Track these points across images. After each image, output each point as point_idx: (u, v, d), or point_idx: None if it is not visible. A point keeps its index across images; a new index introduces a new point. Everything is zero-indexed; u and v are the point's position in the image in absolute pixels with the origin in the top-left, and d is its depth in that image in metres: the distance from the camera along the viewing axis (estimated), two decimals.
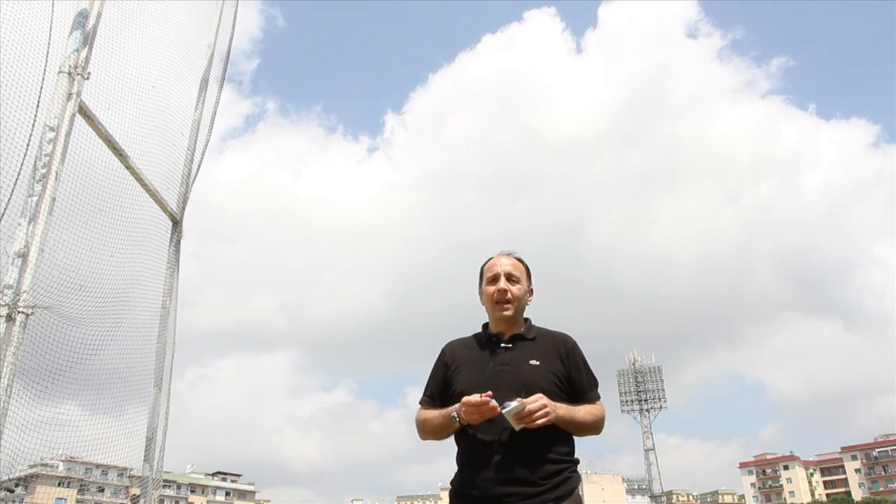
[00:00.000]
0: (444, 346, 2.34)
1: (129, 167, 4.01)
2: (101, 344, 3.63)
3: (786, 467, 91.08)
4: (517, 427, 1.97)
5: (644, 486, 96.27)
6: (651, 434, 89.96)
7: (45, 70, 3.20)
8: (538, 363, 2.15)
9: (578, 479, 2.13)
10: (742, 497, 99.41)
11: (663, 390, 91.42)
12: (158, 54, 4.56)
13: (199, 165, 5.20)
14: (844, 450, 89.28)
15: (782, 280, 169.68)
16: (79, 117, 3.32)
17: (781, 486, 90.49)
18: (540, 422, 1.96)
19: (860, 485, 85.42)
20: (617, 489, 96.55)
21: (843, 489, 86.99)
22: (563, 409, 2.05)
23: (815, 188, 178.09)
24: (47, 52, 3.22)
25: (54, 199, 3.05)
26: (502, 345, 2.22)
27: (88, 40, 3.38)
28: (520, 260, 2.35)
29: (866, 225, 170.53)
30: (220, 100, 5.52)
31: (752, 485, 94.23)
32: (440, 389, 2.24)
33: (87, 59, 3.35)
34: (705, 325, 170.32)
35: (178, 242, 4.83)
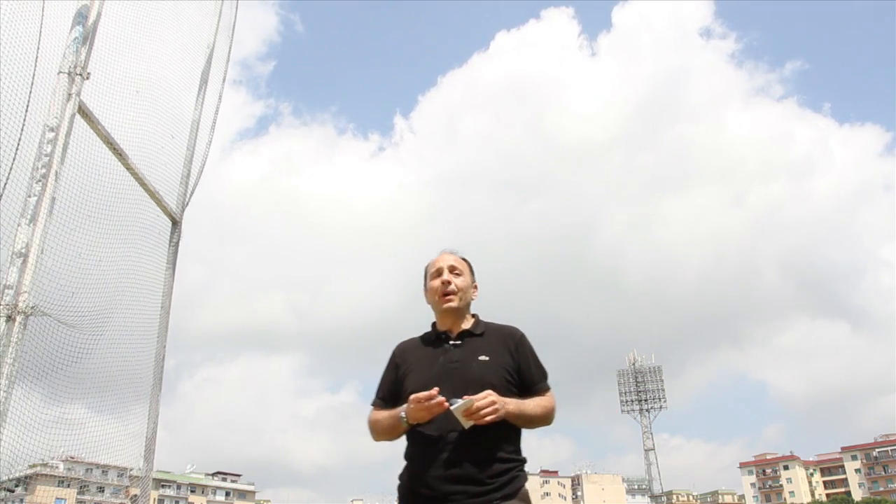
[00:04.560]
0: (394, 347, 2.36)
1: (128, 167, 4.02)
2: (100, 344, 3.64)
3: (786, 467, 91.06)
4: (466, 425, 1.98)
5: (644, 487, 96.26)
6: (651, 434, 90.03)
7: (34, 72, 3.20)
8: (488, 359, 2.16)
9: (525, 477, 2.14)
10: (742, 497, 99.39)
11: (663, 390, 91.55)
12: (158, 54, 4.57)
13: (202, 166, 5.20)
14: (844, 450, 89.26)
15: (789, 281, 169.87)
16: (78, 117, 3.33)
17: (781, 486, 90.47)
18: (489, 418, 1.97)
19: (860, 485, 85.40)
20: (617, 489, 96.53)
21: (843, 489, 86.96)
22: (512, 405, 2.06)
23: (824, 191, 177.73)
24: (37, 54, 3.22)
25: (54, 200, 3.06)
26: (451, 342, 2.24)
27: (88, 40, 3.38)
28: (463, 258, 2.39)
29: (874, 228, 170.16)
30: (221, 100, 5.53)
31: (752, 485, 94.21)
32: (391, 391, 2.25)
33: (86, 59, 3.35)
34: (711, 325, 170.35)
35: (178, 243, 4.84)
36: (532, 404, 2.14)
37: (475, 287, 2.39)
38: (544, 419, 2.19)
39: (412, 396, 2.04)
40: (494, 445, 2.07)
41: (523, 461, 2.17)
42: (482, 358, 2.17)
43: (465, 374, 2.13)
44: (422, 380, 2.14)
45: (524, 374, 2.21)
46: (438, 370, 2.15)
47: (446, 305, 2.27)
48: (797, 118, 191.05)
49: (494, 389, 2.05)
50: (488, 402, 1.98)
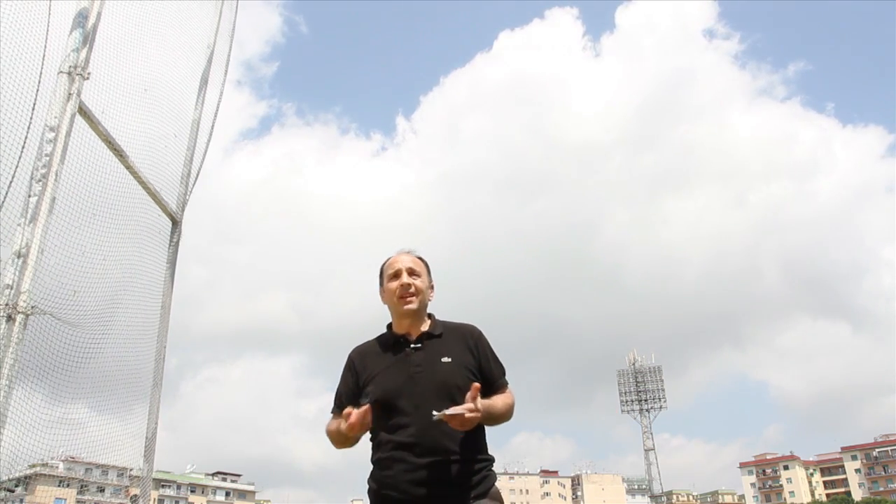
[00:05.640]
0: (350, 352, 2.31)
1: (128, 167, 4.02)
2: (101, 344, 3.64)
3: (786, 467, 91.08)
4: (436, 416, 1.95)
5: (644, 487, 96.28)
6: (651, 434, 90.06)
7: (41, 71, 3.20)
8: (450, 360, 2.15)
9: (495, 477, 2.14)
10: (742, 497, 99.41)
11: (663, 390, 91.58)
12: (158, 54, 4.57)
13: (201, 166, 5.20)
14: (844, 450, 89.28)
15: (791, 282, 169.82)
16: (79, 117, 3.33)
17: (781, 486, 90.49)
18: (465, 424, 1.95)
19: (860, 485, 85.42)
20: (617, 489, 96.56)
21: (843, 489, 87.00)
22: (485, 410, 2.03)
23: (826, 192, 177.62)
24: (44, 53, 3.23)
25: (54, 200, 3.06)
26: (411, 346, 2.21)
27: (88, 40, 3.38)
28: (420, 258, 2.36)
29: (876, 229, 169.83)
30: (222, 100, 5.54)
31: (752, 485, 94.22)
32: (350, 398, 2.19)
33: (86, 59, 3.35)
34: (713, 325, 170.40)
35: (178, 242, 4.84)
36: (500, 403, 2.14)
37: (432, 288, 2.35)
38: (507, 415, 2.18)
39: (344, 413, 2.02)
40: (463, 446, 2.07)
41: (491, 460, 2.17)
42: (445, 360, 2.15)
43: (430, 377, 2.11)
44: (388, 387, 2.11)
45: (485, 372, 2.19)
46: (402, 376, 2.12)
47: (406, 307, 2.22)
48: (800, 118, 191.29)
49: (460, 391, 2.03)
50: (472, 417, 1.95)
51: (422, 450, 2.03)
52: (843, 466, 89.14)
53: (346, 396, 2.22)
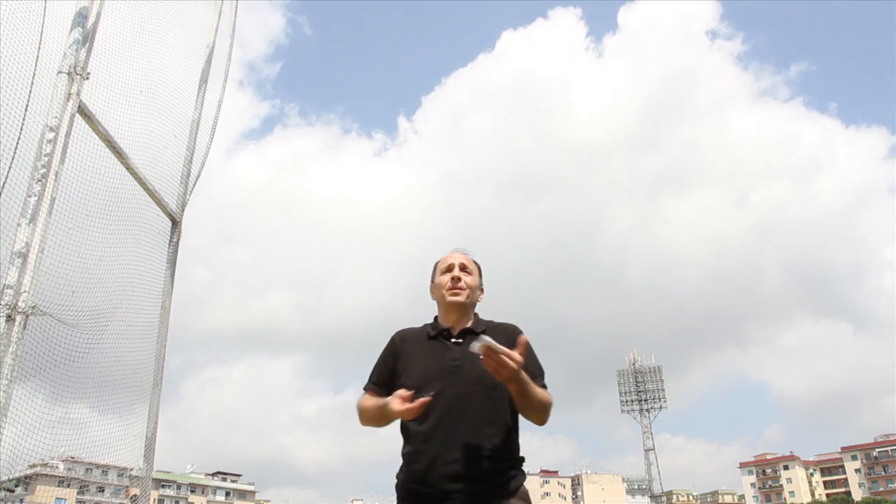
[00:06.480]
0: (394, 333, 2.34)
1: (128, 167, 4.02)
2: (102, 344, 3.64)
3: (786, 467, 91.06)
4: (475, 349, 1.89)
5: (644, 487, 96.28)
6: (651, 434, 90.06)
7: (34, 72, 3.20)
8: None
9: (524, 476, 2.14)
10: (742, 497, 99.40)
11: (663, 390, 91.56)
12: (158, 54, 4.57)
13: (202, 167, 5.21)
14: (844, 450, 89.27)
15: (792, 282, 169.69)
16: (78, 117, 3.33)
17: (781, 486, 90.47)
18: (501, 369, 1.90)
19: (860, 485, 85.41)
20: (617, 489, 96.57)
21: (843, 489, 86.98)
22: (524, 382, 2.00)
23: (828, 193, 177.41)
24: (37, 54, 3.22)
25: (54, 200, 3.06)
26: (452, 340, 2.22)
27: (88, 40, 3.38)
28: (473, 260, 2.39)
29: (878, 230, 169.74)
30: (223, 100, 5.54)
31: (752, 485, 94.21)
32: (386, 377, 2.22)
33: (86, 59, 3.35)
34: (714, 325, 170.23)
35: (177, 242, 4.84)
36: (538, 391, 2.10)
37: (482, 290, 2.39)
38: (543, 411, 2.14)
39: (398, 392, 2.02)
40: (493, 443, 2.06)
41: (521, 460, 2.17)
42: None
43: (467, 372, 2.12)
44: (421, 376, 2.13)
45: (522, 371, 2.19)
46: (439, 368, 2.14)
47: (453, 298, 2.25)
48: (803, 119, 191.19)
49: (495, 387, 2.04)
50: (509, 361, 1.89)
51: (451, 445, 2.03)
52: (843, 466, 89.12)
53: (382, 376, 2.24)
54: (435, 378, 2.09)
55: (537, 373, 2.23)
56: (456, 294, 2.26)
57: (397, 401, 2.01)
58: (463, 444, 2.03)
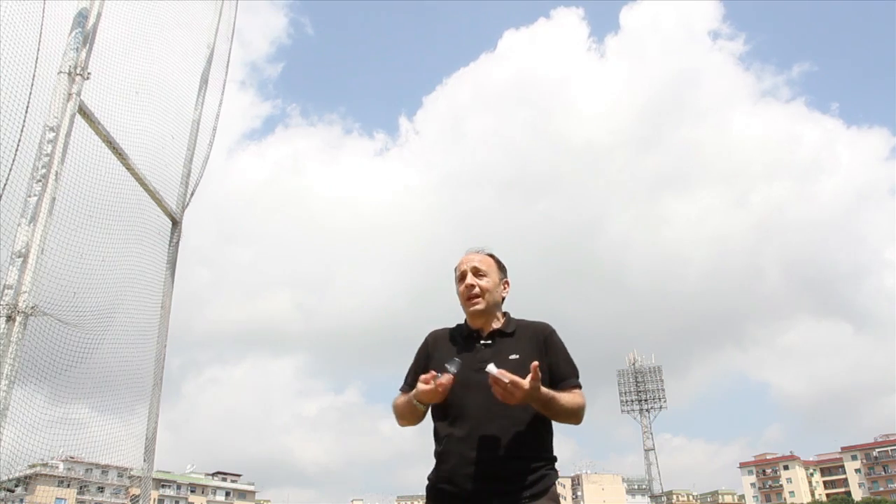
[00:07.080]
0: (427, 334, 2.37)
1: (128, 167, 4.02)
2: (102, 345, 3.64)
3: (786, 467, 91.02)
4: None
5: (644, 487, 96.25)
6: (651, 434, 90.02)
7: (34, 73, 3.20)
8: (518, 357, 2.15)
9: (556, 475, 2.13)
10: (742, 497, 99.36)
11: (663, 390, 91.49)
12: (159, 54, 4.57)
13: (203, 167, 5.20)
14: (844, 450, 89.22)
15: (793, 282, 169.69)
16: (78, 117, 3.32)
17: (781, 486, 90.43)
18: (509, 397, 1.94)
19: (860, 485, 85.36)
20: (617, 489, 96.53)
21: (843, 489, 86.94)
22: (544, 389, 2.02)
23: (829, 193, 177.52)
24: (37, 55, 3.22)
25: (54, 200, 3.06)
26: (482, 342, 2.24)
27: (88, 40, 3.38)
28: (490, 255, 2.38)
29: (879, 230, 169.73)
30: (223, 100, 5.54)
31: (752, 485, 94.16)
32: (418, 379, 2.24)
33: (86, 60, 3.35)
34: (714, 325, 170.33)
35: (178, 243, 4.84)
36: (565, 397, 2.11)
37: (505, 284, 2.37)
38: (574, 415, 2.14)
39: (421, 377, 2.06)
40: (523, 443, 2.06)
41: (553, 459, 2.15)
42: (513, 357, 2.15)
43: None
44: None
45: (553, 370, 2.19)
46: (468, 370, 2.13)
47: (472, 308, 2.26)
48: (805, 119, 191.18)
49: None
50: (512, 387, 1.93)
51: (481, 444, 2.03)
52: (843, 466, 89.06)
53: (416, 374, 2.25)
54: (463, 380, 2.10)
55: (569, 372, 2.22)
56: (474, 304, 2.26)
57: (420, 385, 2.05)
58: (491, 444, 2.03)
